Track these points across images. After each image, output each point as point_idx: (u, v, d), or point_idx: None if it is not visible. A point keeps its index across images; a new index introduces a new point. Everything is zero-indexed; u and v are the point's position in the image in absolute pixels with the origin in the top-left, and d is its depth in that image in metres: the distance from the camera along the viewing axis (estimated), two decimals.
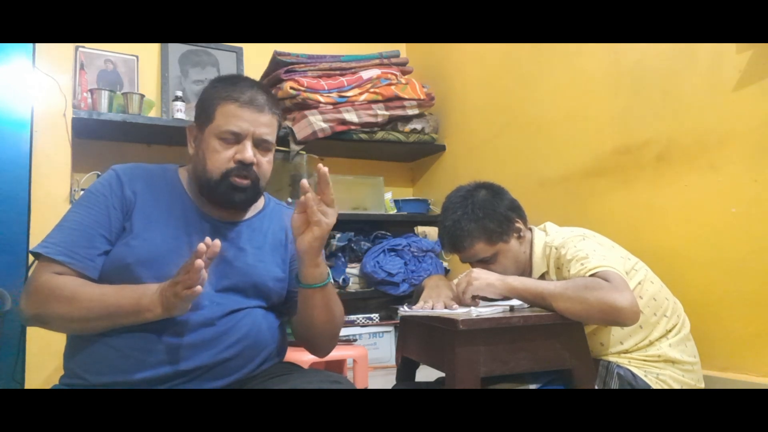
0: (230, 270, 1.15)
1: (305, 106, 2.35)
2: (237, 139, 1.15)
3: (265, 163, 1.20)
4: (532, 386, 1.25)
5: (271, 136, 1.19)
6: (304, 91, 2.32)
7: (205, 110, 1.18)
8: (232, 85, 1.18)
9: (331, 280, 1.18)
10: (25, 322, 1.08)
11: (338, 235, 2.50)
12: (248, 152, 1.15)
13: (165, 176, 1.22)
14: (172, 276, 1.08)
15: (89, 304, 1.02)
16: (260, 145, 1.17)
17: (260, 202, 1.29)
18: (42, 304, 1.04)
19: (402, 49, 2.89)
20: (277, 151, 2.44)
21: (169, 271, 1.08)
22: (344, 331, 2.22)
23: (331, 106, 2.38)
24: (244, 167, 1.15)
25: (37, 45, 2.13)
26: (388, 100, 2.49)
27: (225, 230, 1.19)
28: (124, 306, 1.02)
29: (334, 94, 2.39)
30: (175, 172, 1.24)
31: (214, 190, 1.15)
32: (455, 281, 1.41)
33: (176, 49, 2.51)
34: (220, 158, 1.15)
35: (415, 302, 1.45)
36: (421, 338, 1.35)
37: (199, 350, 1.07)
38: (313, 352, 1.30)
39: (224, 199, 1.16)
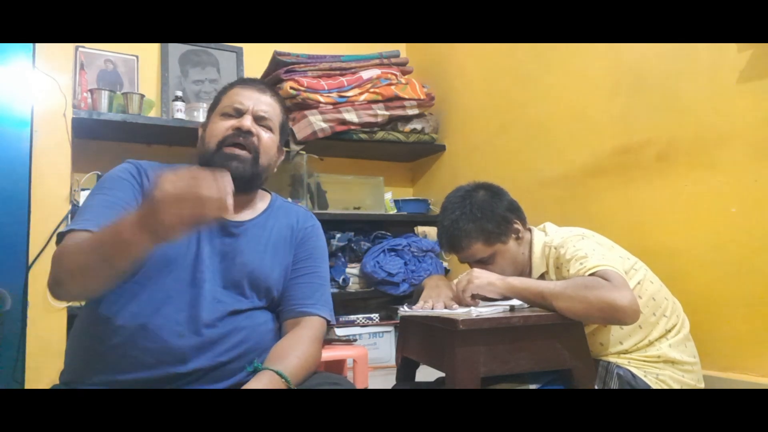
0: (232, 268, 1.16)
1: (305, 106, 2.35)
2: (238, 113, 1.19)
3: (267, 138, 1.22)
4: (532, 386, 1.25)
5: (271, 115, 1.23)
6: (304, 91, 2.32)
7: (214, 102, 1.26)
8: (239, 79, 1.30)
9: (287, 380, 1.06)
10: (52, 293, 1.05)
11: (338, 235, 2.50)
12: (246, 121, 1.18)
13: None
14: (177, 270, 1.10)
15: (84, 245, 1.00)
16: (261, 121, 1.21)
17: (264, 202, 1.29)
18: (56, 263, 1.03)
19: (402, 49, 2.88)
20: None
21: (175, 264, 1.11)
22: (344, 331, 2.22)
23: (331, 106, 2.38)
24: (240, 134, 1.17)
25: (37, 45, 2.13)
26: (388, 100, 2.49)
27: (231, 227, 1.20)
28: (107, 232, 0.95)
29: (334, 94, 2.39)
30: None
31: (212, 162, 1.16)
32: (455, 281, 1.41)
33: (176, 49, 2.51)
34: (218, 128, 1.19)
35: (415, 302, 1.45)
36: (421, 338, 1.35)
37: (198, 352, 1.06)
38: None
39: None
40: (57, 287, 1.03)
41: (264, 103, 1.22)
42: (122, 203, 1.10)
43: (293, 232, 1.28)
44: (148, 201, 0.88)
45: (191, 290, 1.10)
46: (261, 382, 1.03)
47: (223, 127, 1.18)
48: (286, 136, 1.31)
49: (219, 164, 1.15)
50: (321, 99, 2.35)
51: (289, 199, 2.34)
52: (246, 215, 1.24)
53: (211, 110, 1.26)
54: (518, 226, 1.46)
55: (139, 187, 1.15)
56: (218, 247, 1.17)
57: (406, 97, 2.51)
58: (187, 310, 1.08)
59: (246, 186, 1.21)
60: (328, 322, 1.25)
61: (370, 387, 1.86)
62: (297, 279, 1.25)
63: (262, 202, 1.29)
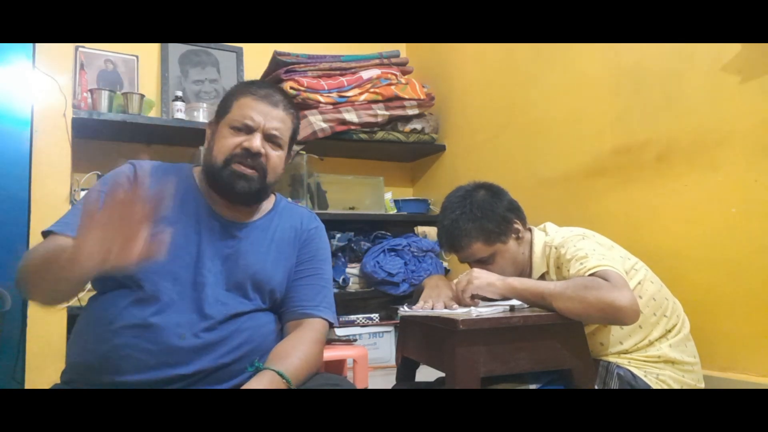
0: (236, 270, 1.16)
1: (305, 106, 2.35)
2: (248, 129, 1.16)
3: (275, 157, 1.19)
4: (532, 386, 1.25)
5: (282, 132, 1.20)
6: (304, 91, 2.32)
7: (223, 105, 1.22)
8: (252, 83, 1.24)
9: (287, 380, 1.06)
10: (19, 291, 1.05)
11: (338, 235, 2.50)
12: (256, 142, 1.16)
13: (179, 174, 1.23)
14: (178, 272, 1.10)
15: (41, 251, 1.00)
16: (271, 139, 1.18)
17: (270, 203, 1.30)
18: (22, 264, 1.02)
19: (402, 49, 2.88)
20: None
21: (176, 265, 1.11)
22: (344, 331, 2.22)
23: (331, 106, 2.38)
24: (249, 155, 1.15)
25: (37, 45, 2.13)
26: (388, 100, 2.49)
27: (234, 230, 1.20)
28: (61, 244, 0.97)
29: (334, 94, 2.39)
30: (189, 170, 1.26)
31: (219, 177, 1.16)
32: (455, 281, 1.41)
33: (176, 49, 2.51)
34: (227, 144, 1.16)
35: (415, 302, 1.45)
36: (421, 338, 1.35)
37: (200, 354, 1.07)
38: None
39: (228, 188, 1.16)
40: (16, 284, 1.04)
41: (276, 119, 1.18)
42: None
43: (297, 233, 1.28)
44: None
45: (193, 293, 1.10)
46: (262, 381, 1.03)
47: (231, 143, 1.16)
48: (295, 141, 1.29)
49: (226, 181, 1.15)
50: (321, 99, 2.35)
51: (289, 199, 2.34)
52: (251, 216, 1.24)
53: (220, 113, 1.21)
54: (518, 225, 1.46)
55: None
56: (221, 249, 1.17)
57: (406, 97, 2.52)
58: (188, 312, 1.08)
59: (252, 201, 1.22)
60: (330, 324, 1.25)
61: (370, 387, 1.86)
62: (300, 281, 1.25)
63: (267, 203, 1.29)
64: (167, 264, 1.09)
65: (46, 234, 1.09)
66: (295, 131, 1.26)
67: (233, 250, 1.17)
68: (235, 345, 1.10)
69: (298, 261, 1.26)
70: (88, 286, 1.18)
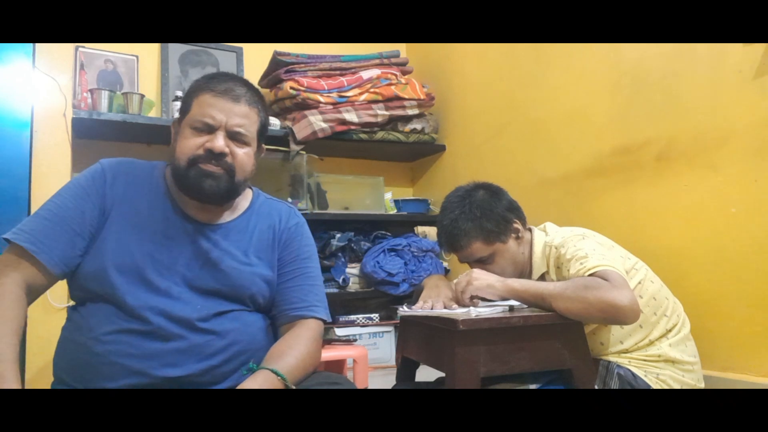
0: (215, 273, 1.13)
1: (305, 106, 2.35)
2: (209, 129, 1.11)
3: (242, 155, 1.14)
4: (532, 386, 1.25)
5: (246, 129, 1.14)
6: (304, 91, 2.32)
7: (184, 103, 1.17)
8: (211, 78, 1.17)
9: (282, 377, 1.04)
10: None
11: (338, 235, 2.50)
12: (218, 141, 1.10)
13: (151, 175, 1.20)
14: (153, 278, 1.08)
15: None
16: (235, 137, 1.13)
17: (246, 200, 1.25)
18: None
19: (402, 49, 2.88)
20: (277, 151, 2.43)
21: (147, 274, 1.08)
22: (344, 331, 2.22)
23: (331, 106, 2.38)
24: (213, 156, 1.10)
25: (37, 45, 2.13)
26: (388, 100, 2.49)
27: (209, 232, 1.16)
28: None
29: (334, 94, 2.39)
30: (162, 170, 1.21)
31: (185, 178, 1.11)
32: (455, 281, 1.41)
33: (176, 49, 2.51)
34: (189, 144, 1.11)
35: (415, 302, 1.45)
36: (421, 338, 1.35)
37: (185, 356, 1.05)
38: None
39: (195, 188, 1.11)
40: None
41: (238, 115, 1.12)
42: (68, 220, 1.08)
43: (275, 233, 1.23)
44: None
45: (168, 299, 1.08)
46: (256, 381, 1.02)
47: (193, 144, 1.11)
48: (265, 135, 1.23)
49: (192, 181, 1.11)
50: (321, 99, 2.35)
51: (290, 200, 2.34)
52: (225, 216, 1.20)
53: (182, 111, 1.16)
54: (518, 225, 1.46)
55: (99, 197, 1.12)
56: (196, 253, 1.13)
57: (406, 97, 2.52)
58: (166, 317, 1.06)
59: (222, 201, 1.17)
60: (324, 321, 1.24)
61: (370, 387, 1.86)
62: (286, 283, 1.22)
63: (243, 200, 1.24)
64: (143, 269, 1.08)
65: (6, 240, 1.07)
66: (263, 124, 1.20)
67: (209, 254, 1.14)
68: (221, 346, 1.09)
69: (281, 263, 1.22)
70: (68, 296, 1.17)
